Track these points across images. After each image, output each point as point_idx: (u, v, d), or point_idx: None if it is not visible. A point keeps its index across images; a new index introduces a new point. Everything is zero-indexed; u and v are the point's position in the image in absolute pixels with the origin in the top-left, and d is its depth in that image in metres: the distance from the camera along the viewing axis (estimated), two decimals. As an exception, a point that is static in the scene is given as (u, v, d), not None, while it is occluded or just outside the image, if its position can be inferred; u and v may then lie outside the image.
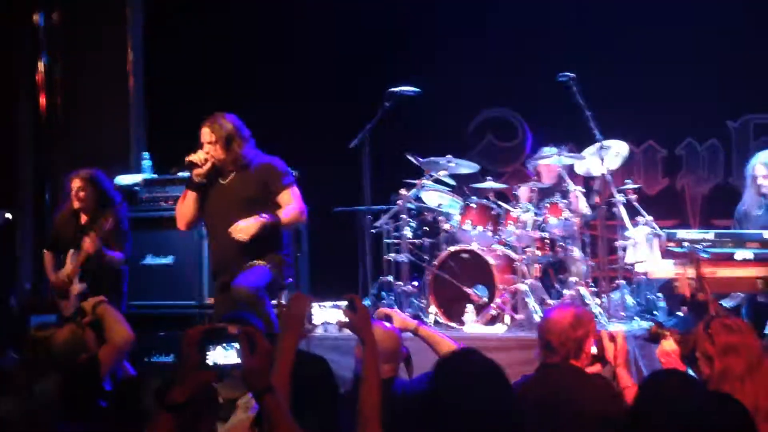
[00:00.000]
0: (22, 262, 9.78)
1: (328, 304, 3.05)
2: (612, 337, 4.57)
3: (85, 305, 6.48)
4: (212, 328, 2.85)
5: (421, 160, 8.30)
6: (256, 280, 6.14)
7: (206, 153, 6.32)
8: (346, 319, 3.34)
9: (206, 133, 6.36)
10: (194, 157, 6.31)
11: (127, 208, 7.61)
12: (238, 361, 2.82)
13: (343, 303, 3.35)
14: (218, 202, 6.42)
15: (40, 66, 9.95)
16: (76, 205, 7.36)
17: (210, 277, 7.27)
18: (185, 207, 6.50)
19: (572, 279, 7.73)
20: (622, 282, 7.78)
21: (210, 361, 2.80)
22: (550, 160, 8.13)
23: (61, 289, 7.16)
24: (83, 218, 7.38)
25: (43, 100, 9.96)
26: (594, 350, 4.52)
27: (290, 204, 6.39)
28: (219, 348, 2.82)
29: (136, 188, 8.62)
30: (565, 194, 7.98)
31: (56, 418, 3.83)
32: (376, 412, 3.15)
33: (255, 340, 2.83)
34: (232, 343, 2.83)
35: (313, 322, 3.19)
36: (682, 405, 3.01)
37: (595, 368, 4.55)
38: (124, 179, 8.69)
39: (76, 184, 7.35)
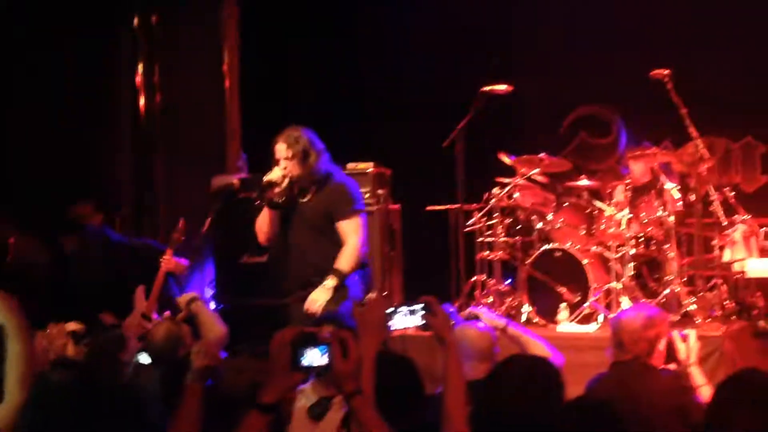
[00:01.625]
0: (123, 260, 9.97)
1: (405, 308, 3.02)
2: (684, 338, 4.59)
3: (179, 301, 6.64)
4: (304, 331, 2.91)
5: (514, 158, 8.28)
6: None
7: (283, 169, 6.25)
8: (424, 322, 3.35)
9: (281, 149, 6.27)
10: (272, 176, 6.25)
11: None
12: (329, 362, 2.87)
13: (421, 306, 3.35)
14: (294, 221, 6.40)
15: (139, 68, 10.14)
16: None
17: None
18: (263, 223, 6.44)
19: (667, 278, 7.65)
20: (719, 281, 7.67)
21: (302, 362, 2.86)
22: (645, 157, 8.04)
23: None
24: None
25: (142, 102, 10.15)
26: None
27: (348, 240, 6.28)
28: (312, 350, 2.88)
29: (233, 188, 8.75)
30: (660, 192, 7.89)
31: (158, 411, 3.92)
32: (461, 413, 3.18)
33: (347, 343, 2.87)
34: (324, 346, 2.88)
35: (392, 326, 3.15)
36: (762, 404, 3.00)
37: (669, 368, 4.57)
38: (221, 180, 8.83)
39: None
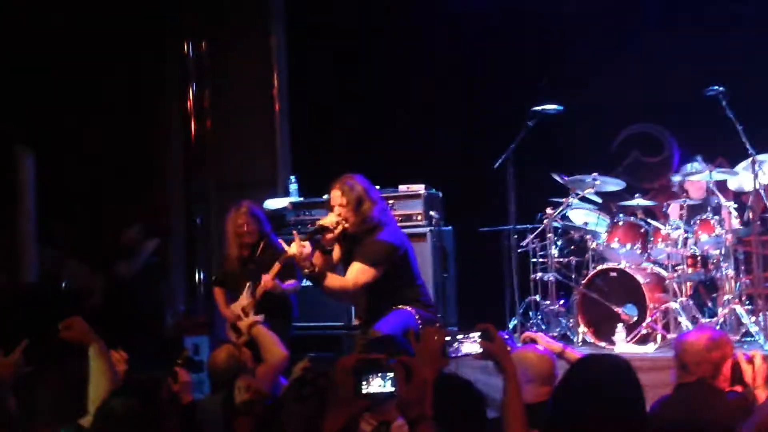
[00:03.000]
0: (176, 287, 10.04)
1: (462, 335, 2.98)
2: (750, 360, 4.50)
3: (240, 325, 6.61)
4: (367, 357, 2.87)
5: (566, 178, 8.22)
6: (393, 327, 6.08)
7: (338, 216, 6.14)
8: (482, 350, 3.30)
9: (336, 196, 6.16)
10: (326, 221, 6.14)
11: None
12: (393, 389, 2.83)
13: (478, 334, 3.31)
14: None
15: (190, 94, 10.21)
16: (245, 239, 7.41)
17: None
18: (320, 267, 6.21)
19: (726, 297, 7.54)
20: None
21: (365, 389, 2.82)
22: (700, 175, 7.95)
23: (236, 321, 7.20)
24: (245, 251, 7.44)
25: (193, 127, 10.21)
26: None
27: (352, 276, 6.10)
28: (375, 377, 2.85)
29: (285, 211, 8.76)
30: (716, 210, 7.79)
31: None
32: None
33: (411, 369, 2.84)
34: (387, 373, 2.85)
35: (450, 354, 3.11)
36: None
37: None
38: (272, 203, 8.85)
39: (240, 220, 7.41)
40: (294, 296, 7.39)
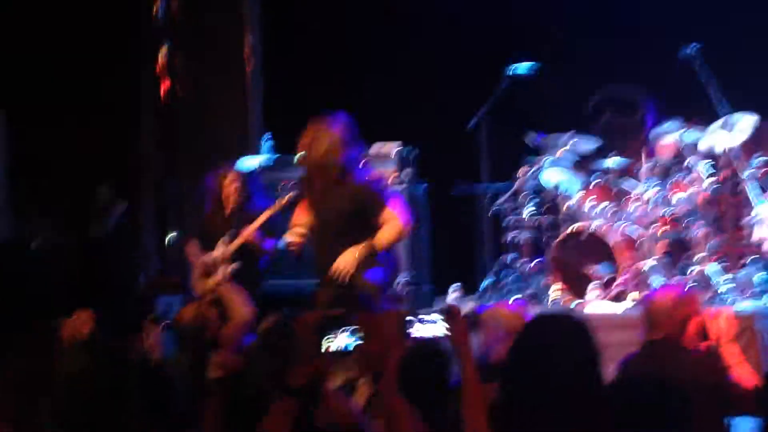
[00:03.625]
0: (148, 249, 10.00)
1: (424, 317, 2.84)
2: (716, 316, 4.54)
3: (207, 285, 6.62)
4: (330, 314, 2.86)
5: (539, 138, 8.21)
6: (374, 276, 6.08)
7: None
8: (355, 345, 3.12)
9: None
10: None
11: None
12: (355, 345, 2.83)
13: (439, 314, 3.19)
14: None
15: (161, 55, 10.13)
16: (233, 201, 7.44)
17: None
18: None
19: (697, 257, 7.56)
20: (752, 259, 7.57)
21: (328, 345, 2.82)
22: (672, 136, 7.95)
23: (209, 267, 7.22)
24: (228, 210, 7.46)
25: (163, 88, 10.13)
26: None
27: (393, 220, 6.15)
28: (338, 333, 2.84)
29: (258, 171, 8.71)
30: (689, 171, 7.79)
31: (186, 394, 3.88)
32: (480, 420, 3.07)
33: (373, 326, 2.83)
34: (350, 329, 2.84)
35: (410, 335, 3.01)
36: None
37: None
38: (247, 162, 8.80)
39: (234, 185, 7.44)
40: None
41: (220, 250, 7.19)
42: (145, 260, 9.98)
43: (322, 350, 2.80)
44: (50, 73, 9.78)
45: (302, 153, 6.20)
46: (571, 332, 3.04)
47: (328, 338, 2.83)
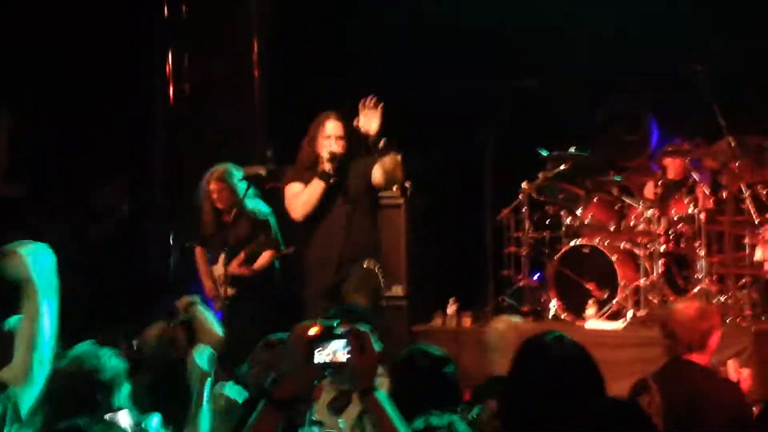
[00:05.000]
0: (154, 250, 10.00)
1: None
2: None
3: (177, 304, 6.58)
4: (322, 326, 2.85)
5: (543, 153, 8.22)
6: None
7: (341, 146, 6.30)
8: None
9: (337, 127, 6.34)
10: (334, 149, 6.28)
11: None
12: (346, 359, 2.82)
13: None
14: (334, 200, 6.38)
15: (169, 58, 10.15)
16: (219, 205, 7.47)
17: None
18: (312, 198, 6.38)
19: (697, 275, 7.56)
20: (749, 280, 7.56)
21: (318, 358, 2.81)
22: (677, 154, 7.95)
23: (211, 293, 7.29)
24: (218, 216, 7.48)
25: (171, 91, 10.16)
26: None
27: None
28: (329, 345, 2.83)
29: (261, 177, 8.72)
30: (691, 189, 7.79)
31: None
32: None
33: (364, 340, 2.82)
34: (342, 341, 2.83)
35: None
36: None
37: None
38: (250, 169, 8.81)
39: (213, 185, 7.46)
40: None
41: (219, 271, 7.21)
42: (153, 264, 10.01)
43: (311, 362, 2.79)
44: (60, 76, 9.82)
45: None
46: (571, 350, 3.04)
47: (319, 350, 2.81)
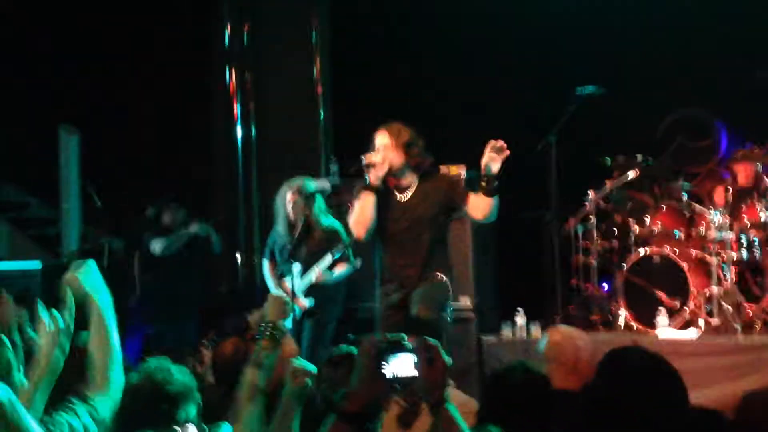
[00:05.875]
0: (218, 268, 10.07)
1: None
2: None
3: (250, 320, 6.59)
4: (391, 340, 2.82)
5: (610, 161, 8.12)
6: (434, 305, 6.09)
7: (383, 156, 6.18)
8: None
9: (383, 137, 6.23)
10: (372, 158, 6.16)
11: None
12: (416, 373, 2.78)
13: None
14: (395, 216, 6.28)
15: (233, 77, 10.23)
16: (293, 217, 7.51)
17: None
18: (365, 214, 6.22)
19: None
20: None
21: (387, 372, 2.78)
22: (749, 159, 7.82)
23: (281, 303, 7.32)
24: (292, 228, 7.51)
25: (235, 109, 10.23)
26: None
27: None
28: (398, 358, 2.80)
29: (325, 192, 8.74)
30: (763, 195, 7.65)
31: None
32: None
33: (433, 352, 2.79)
34: (411, 354, 2.80)
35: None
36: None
37: None
38: (313, 183, 8.84)
39: (290, 197, 7.51)
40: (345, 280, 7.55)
41: (293, 282, 7.26)
42: (219, 278, 10.09)
43: (380, 376, 2.76)
44: (124, 93, 9.98)
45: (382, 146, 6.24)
46: (651, 362, 2.97)
47: (388, 364, 2.78)
